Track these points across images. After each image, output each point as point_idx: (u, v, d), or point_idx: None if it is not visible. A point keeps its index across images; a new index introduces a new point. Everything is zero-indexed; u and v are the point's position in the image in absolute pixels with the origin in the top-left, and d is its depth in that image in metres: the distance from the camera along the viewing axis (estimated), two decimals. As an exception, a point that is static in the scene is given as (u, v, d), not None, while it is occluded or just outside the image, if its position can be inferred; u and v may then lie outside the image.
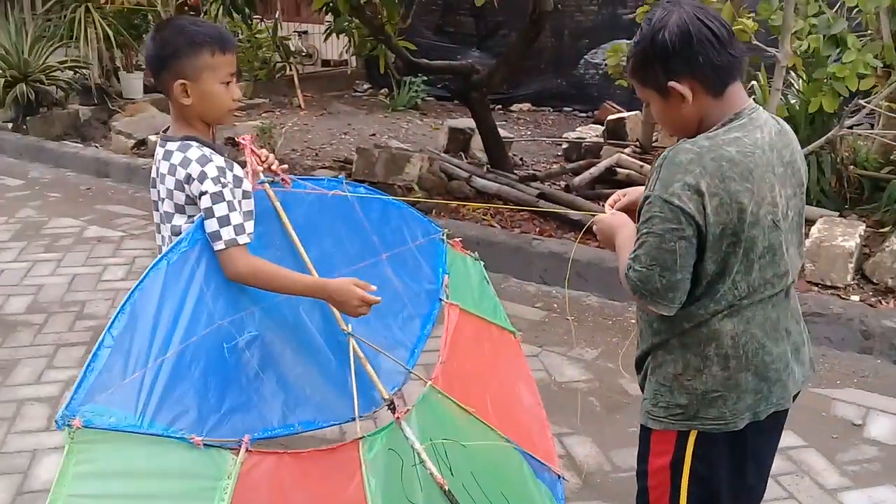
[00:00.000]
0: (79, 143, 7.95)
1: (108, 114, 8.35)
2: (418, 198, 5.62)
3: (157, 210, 2.09)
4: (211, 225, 1.91)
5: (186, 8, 6.43)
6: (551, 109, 10.35)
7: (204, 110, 2.02)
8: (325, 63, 11.41)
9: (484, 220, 5.51)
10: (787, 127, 1.76)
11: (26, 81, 7.87)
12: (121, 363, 1.64)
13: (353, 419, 2.07)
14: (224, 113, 2.05)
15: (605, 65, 6.62)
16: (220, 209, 1.91)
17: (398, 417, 2.11)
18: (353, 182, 2.52)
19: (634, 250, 1.66)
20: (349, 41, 6.55)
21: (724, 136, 1.62)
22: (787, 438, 3.10)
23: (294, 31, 8.58)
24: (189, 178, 1.94)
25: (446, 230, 2.77)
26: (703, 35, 1.60)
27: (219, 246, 1.90)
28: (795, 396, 1.83)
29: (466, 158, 7.10)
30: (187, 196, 1.97)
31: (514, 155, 7.57)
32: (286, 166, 2.26)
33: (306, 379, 2.07)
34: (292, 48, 9.94)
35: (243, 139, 2.13)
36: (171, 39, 1.98)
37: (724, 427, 1.70)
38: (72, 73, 8.50)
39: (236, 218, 1.93)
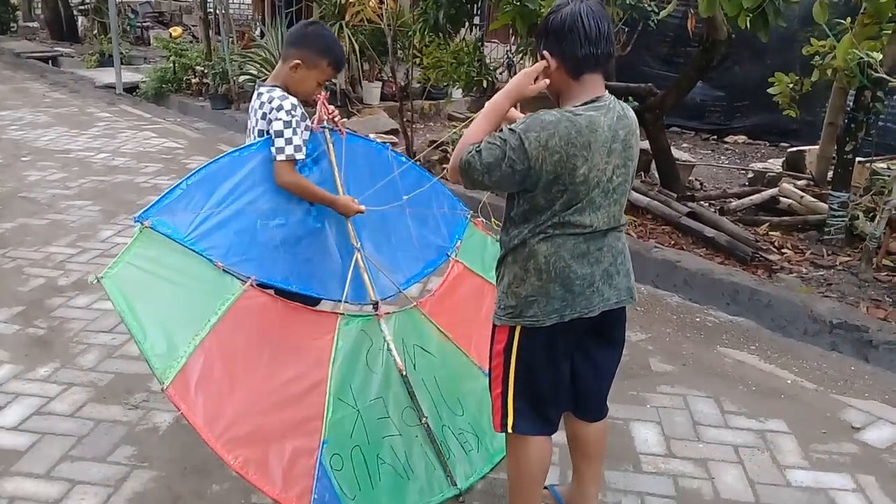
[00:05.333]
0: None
1: (347, 115, 9.84)
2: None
3: (248, 137, 2.90)
4: (279, 142, 2.70)
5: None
6: (767, 143, 10.23)
7: (296, 86, 2.85)
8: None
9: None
10: (631, 113, 2.27)
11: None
12: (185, 203, 2.53)
13: (340, 301, 2.82)
14: (306, 97, 2.89)
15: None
16: (288, 132, 2.72)
17: (378, 315, 2.86)
18: (398, 153, 3.31)
19: (481, 144, 2.17)
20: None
21: (584, 111, 2.16)
22: (772, 423, 3.35)
23: (507, 52, 9.47)
24: (272, 109, 2.74)
25: (472, 212, 3.42)
26: (575, 28, 2.12)
27: (280, 157, 2.70)
28: (614, 314, 2.36)
29: (645, 178, 7.52)
30: (269, 123, 2.75)
31: (697, 179, 7.86)
32: (346, 120, 3.08)
33: (314, 264, 2.85)
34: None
35: (319, 95, 2.96)
36: (317, 37, 2.86)
37: (538, 323, 2.26)
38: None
39: (297, 140, 2.73)
